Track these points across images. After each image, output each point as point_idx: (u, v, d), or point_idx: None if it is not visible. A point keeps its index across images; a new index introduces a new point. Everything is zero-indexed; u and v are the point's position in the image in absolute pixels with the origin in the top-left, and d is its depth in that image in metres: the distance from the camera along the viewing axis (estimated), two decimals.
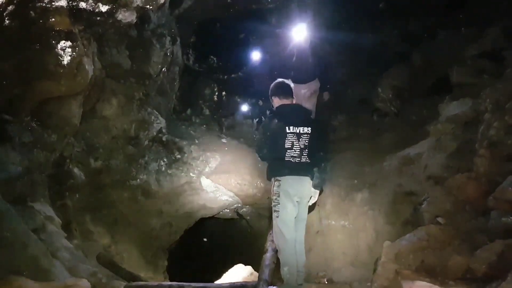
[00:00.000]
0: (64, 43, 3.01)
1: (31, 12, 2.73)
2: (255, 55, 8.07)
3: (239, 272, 5.33)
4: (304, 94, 5.72)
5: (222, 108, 7.58)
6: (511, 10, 4.55)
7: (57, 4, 2.74)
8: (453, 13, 5.67)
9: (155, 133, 6.10)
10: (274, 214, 3.60)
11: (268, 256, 4.33)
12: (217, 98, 7.62)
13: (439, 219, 3.15)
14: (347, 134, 6.38)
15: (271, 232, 4.53)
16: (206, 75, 7.77)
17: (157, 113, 6.13)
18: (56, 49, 3.00)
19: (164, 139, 6.21)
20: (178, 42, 6.81)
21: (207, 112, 7.32)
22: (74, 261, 4.02)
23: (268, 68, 7.92)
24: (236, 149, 6.63)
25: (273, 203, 3.60)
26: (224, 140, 6.83)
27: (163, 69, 6.46)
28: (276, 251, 4.20)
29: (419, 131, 5.01)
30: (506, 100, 3.03)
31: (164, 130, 6.22)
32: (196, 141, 6.54)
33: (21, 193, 3.97)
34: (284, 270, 3.55)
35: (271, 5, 6.58)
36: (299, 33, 5.57)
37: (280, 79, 3.87)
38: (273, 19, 8.08)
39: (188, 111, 7.14)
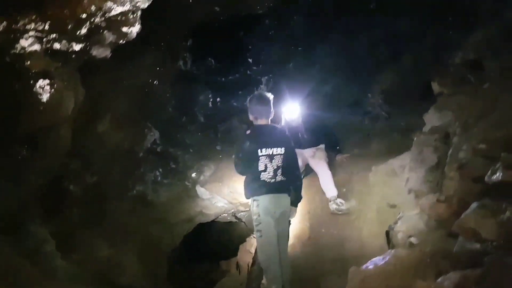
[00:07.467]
0: (42, 81, 3.12)
1: (7, 57, 2.84)
2: (250, 59, 8.12)
3: None
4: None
5: (217, 113, 7.65)
6: (492, 14, 4.49)
7: (30, 49, 2.84)
8: (442, 15, 5.61)
9: (149, 145, 6.23)
10: (257, 234, 3.60)
11: (256, 269, 4.47)
12: (211, 104, 7.69)
13: (412, 239, 3.21)
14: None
15: None
16: (201, 81, 7.84)
17: (150, 125, 6.24)
18: (34, 88, 3.11)
19: (158, 150, 6.35)
20: (171, 49, 6.86)
21: (202, 119, 7.40)
22: (71, 282, 4.20)
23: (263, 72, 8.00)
24: (230, 156, 6.71)
25: (254, 223, 3.61)
26: (218, 147, 6.92)
27: (156, 79, 6.55)
28: None
29: (407, 138, 5.02)
30: (474, 122, 3.05)
31: (158, 141, 6.35)
32: (191, 150, 6.65)
33: (15, 217, 4.11)
34: None
35: (260, 11, 6.59)
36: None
37: (260, 94, 3.71)
38: (265, 22, 8.13)
39: (183, 119, 7.24)
